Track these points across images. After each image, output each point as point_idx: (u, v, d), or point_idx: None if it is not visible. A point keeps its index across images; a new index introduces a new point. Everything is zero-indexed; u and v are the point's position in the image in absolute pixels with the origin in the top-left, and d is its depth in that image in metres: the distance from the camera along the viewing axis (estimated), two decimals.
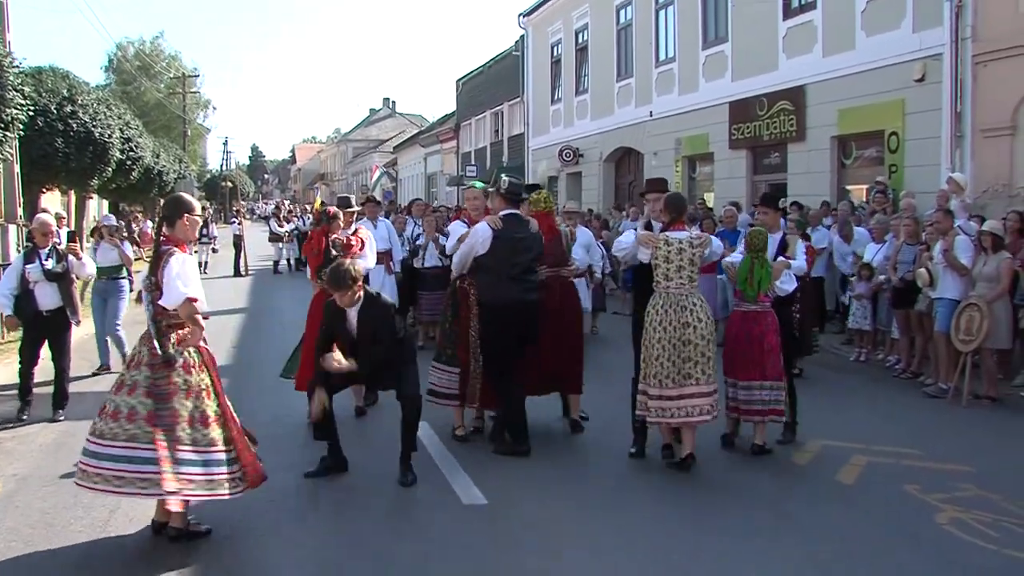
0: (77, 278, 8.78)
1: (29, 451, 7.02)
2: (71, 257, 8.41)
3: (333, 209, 8.33)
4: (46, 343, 8.24)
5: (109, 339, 10.35)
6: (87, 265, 8.84)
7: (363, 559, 4.92)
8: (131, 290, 10.39)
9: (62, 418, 8.00)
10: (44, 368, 10.42)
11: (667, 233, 6.51)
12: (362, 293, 6.07)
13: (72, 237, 9.73)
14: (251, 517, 5.51)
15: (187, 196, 5.46)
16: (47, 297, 8.09)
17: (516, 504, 5.68)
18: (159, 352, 4.96)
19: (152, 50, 56.42)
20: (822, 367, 10.41)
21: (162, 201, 41.71)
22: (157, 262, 5.03)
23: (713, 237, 6.94)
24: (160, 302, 4.98)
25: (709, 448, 6.79)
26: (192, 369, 5.05)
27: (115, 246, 10.33)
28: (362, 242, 8.07)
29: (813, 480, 6.40)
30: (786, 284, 6.93)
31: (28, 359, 8.17)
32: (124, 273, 10.47)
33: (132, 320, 13.24)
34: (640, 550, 5.02)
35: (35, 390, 9.13)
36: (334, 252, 7.76)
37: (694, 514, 5.67)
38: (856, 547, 5.08)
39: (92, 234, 12.06)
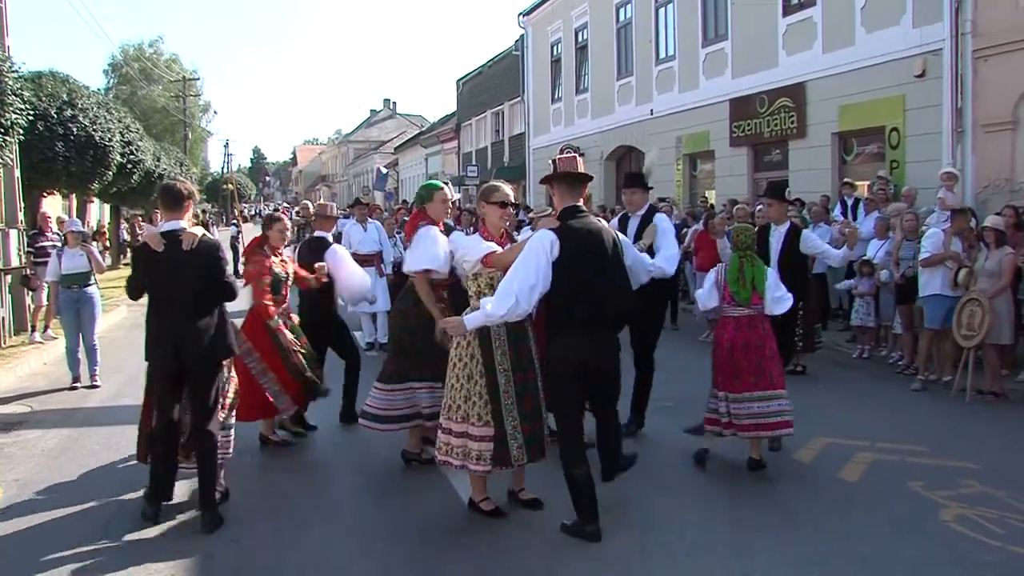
0: None
1: (31, 456, 7.01)
2: None
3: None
4: None
5: (82, 351, 9.79)
6: None
7: (366, 559, 4.91)
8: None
9: None
10: (33, 377, 10.46)
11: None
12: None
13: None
14: (252, 519, 5.51)
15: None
16: None
17: (512, 503, 5.66)
18: None
19: (153, 54, 56.47)
20: (825, 364, 10.39)
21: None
22: None
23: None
24: None
25: (712, 448, 6.76)
26: None
27: (85, 251, 9.83)
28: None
29: (817, 478, 6.37)
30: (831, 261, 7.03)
31: None
32: (93, 280, 9.95)
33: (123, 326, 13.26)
34: (644, 548, 5.00)
35: (32, 400, 9.18)
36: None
37: (698, 512, 5.66)
38: (861, 545, 5.06)
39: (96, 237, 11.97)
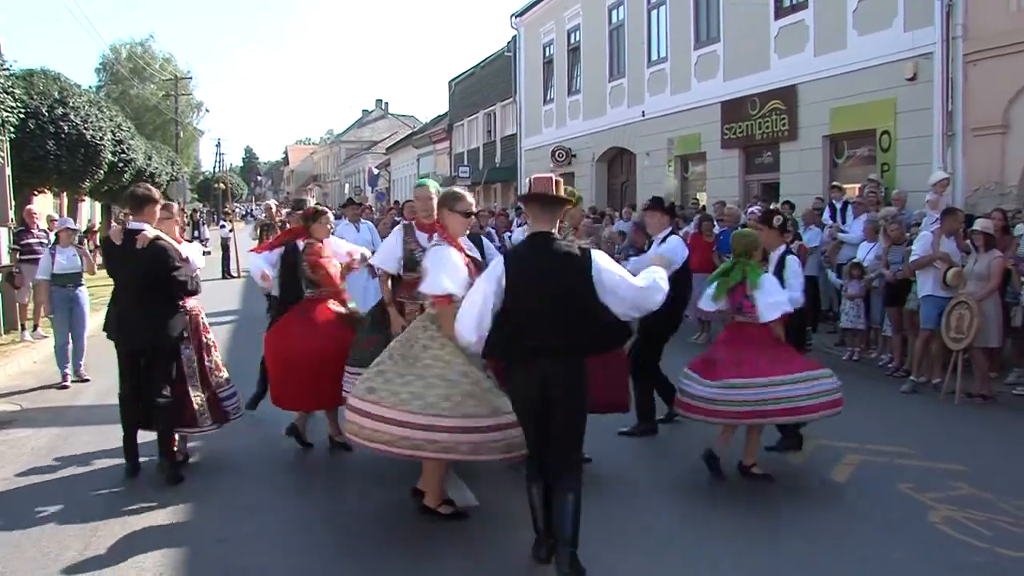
0: None
1: (21, 455, 6.98)
2: None
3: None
4: None
5: (71, 348, 9.70)
6: None
7: (356, 561, 4.91)
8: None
9: None
10: (23, 376, 10.42)
11: None
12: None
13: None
14: (245, 520, 5.51)
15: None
16: None
17: (507, 505, 5.66)
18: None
19: (143, 52, 56.34)
20: None
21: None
22: None
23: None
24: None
25: (701, 450, 6.77)
26: None
27: (82, 254, 9.88)
28: None
29: (807, 479, 6.41)
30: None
31: None
32: (83, 280, 9.94)
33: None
34: (633, 551, 5.01)
35: (21, 399, 9.12)
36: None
37: (687, 514, 5.67)
38: (849, 546, 5.08)
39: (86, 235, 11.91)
